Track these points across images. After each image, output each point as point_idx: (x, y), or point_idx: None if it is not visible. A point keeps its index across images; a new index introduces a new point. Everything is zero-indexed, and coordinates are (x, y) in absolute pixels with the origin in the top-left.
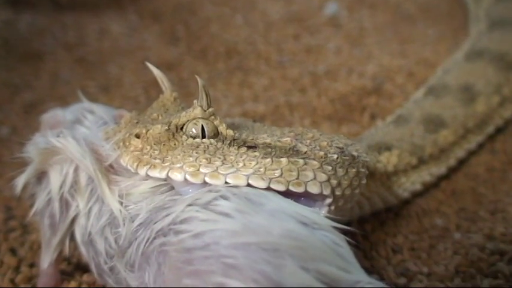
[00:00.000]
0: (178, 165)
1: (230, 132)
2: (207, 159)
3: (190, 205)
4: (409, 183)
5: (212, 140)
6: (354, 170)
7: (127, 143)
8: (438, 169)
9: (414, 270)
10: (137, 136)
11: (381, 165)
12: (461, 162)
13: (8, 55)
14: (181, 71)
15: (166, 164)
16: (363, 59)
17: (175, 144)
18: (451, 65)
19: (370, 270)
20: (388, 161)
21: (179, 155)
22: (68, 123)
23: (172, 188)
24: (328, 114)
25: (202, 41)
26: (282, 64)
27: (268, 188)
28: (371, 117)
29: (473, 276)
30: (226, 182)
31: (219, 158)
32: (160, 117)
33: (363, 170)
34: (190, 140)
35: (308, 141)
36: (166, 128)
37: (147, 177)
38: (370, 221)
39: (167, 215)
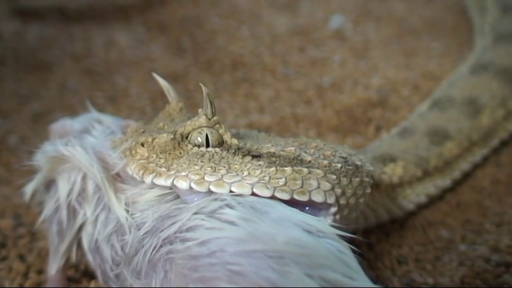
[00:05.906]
0: (184, 173)
1: (235, 141)
2: (212, 167)
3: (196, 213)
4: (414, 195)
5: (217, 149)
6: (358, 179)
7: (133, 152)
8: (443, 181)
9: (419, 281)
10: (143, 145)
11: (386, 176)
12: (467, 175)
13: (17, 65)
14: (188, 83)
15: (171, 172)
16: (368, 72)
17: (180, 152)
18: (456, 78)
19: (375, 281)
20: (393, 172)
21: (184, 163)
22: (76, 133)
23: (178, 196)
24: (334, 126)
25: (208, 52)
26: (287, 76)
27: (272, 197)
28: (376, 129)
29: (478, 287)
30: (231, 191)
31: (224, 166)
32: (166, 127)
33: (367, 179)
34: (196, 148)
35: (312, 150)
36: (172, 137)
37: (153, 185)
38: (375, 232)
39: (173, 223)
